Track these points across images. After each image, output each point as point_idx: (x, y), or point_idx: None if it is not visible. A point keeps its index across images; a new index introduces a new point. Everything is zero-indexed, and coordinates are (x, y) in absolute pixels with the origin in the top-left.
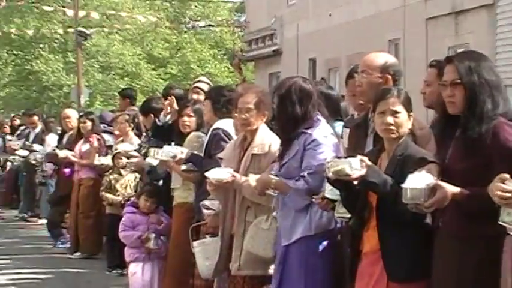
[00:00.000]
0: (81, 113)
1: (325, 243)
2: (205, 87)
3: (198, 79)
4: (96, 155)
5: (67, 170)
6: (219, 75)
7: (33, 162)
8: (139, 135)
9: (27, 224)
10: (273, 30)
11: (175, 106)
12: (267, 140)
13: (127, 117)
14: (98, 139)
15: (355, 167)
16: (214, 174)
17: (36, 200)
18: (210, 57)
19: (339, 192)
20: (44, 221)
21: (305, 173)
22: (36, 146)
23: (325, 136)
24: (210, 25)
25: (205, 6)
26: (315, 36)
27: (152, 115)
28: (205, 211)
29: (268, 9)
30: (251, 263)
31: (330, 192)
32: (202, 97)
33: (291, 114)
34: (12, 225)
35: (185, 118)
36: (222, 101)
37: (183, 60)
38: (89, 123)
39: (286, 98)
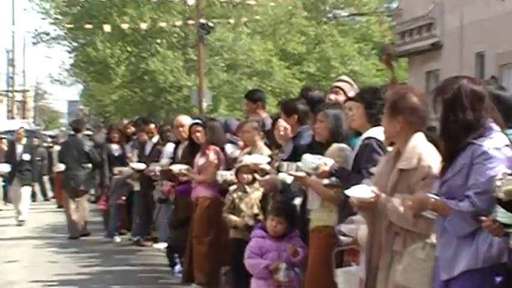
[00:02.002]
0: (194, 120)
1: (495, 279)
2: (347, 87)
3: (339, 78)
4: (221, 167)
5: (179, 188)
6: (366, 74)
7: (152, 176)
8: (269, 146)
9: (141, 249)
10: (432, 20)
11: None
12: (416, 152)
13: (255, 124)
14: (217, 152)
15: None
16: (355, 193)
17: (152, 221)
18: (354, 53)
19: None
20: (161, 245)
21: (471, 193)
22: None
23: (498, 148)
24: (354, 14)
25: None
26: (484, 26)
27: (296, 116)
28: (341, 238)
29: None
30: None
31: (504, 215)
32: (341, 97)
33: (462, 121)
34: (124, 250)
35: (317, 124)
36: (378, 105)
37: (322, 57)
38: (206, 132)
39: (455, 102)
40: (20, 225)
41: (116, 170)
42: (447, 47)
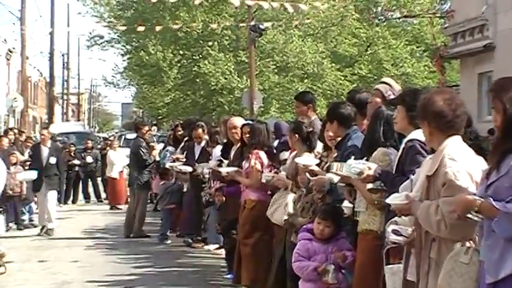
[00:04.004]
0: (245, 121)
1: None
2: (384, 88)
3: (381, 80)
4: (266, 171)
5: (227, 189)
6: (417, 75)
7: (201, 177)
8: (311, 148)
9: (191, 250)
10: (484, 21)
11: None
12: (439, 158)
13: (289, 126)
14: (258, 156)
15: None
16: (392, 200)
17: (203, 222)
18: (406, 55)
19: None
20: (211, 247)
21: None
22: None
23: None
24: (406, 16)
25: None
26: None
27: (336, 122)
28: (392, 238)
29: None
30: None
31: None
32: (378, 99)
33: None
34: (175, 251)
35: None
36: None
37: (374, 59)
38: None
39: None
40: (48, 234)
41: (168, 164)
42: (500, 49)
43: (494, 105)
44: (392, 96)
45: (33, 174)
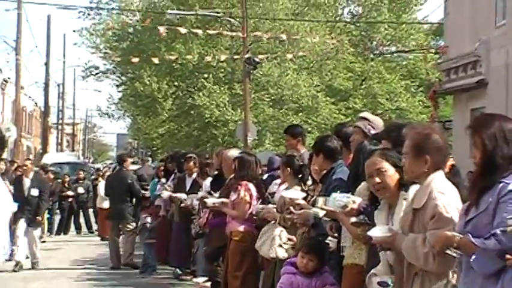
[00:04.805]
0: (238, 154)
1: None
2: (363, 124)
3: (359, 115)
4: (254, 203)
5: (212, 221)
6: (412, 110)
7: (190, 209)
8: (302, 181)
9: (180, 283)
10: (477, 57)
11: None
12: (427, 191)
13: (281, 160)
14: (247, 188)
15: None
16: (375, 233)
17: (192, 254)
18: (401, 89)
19: None
20: (200, 279)
21: (497, 231)
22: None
23: None
24: (400, 51)
25: (397, 28)
26: None
27: (322, 155)
28: None
29: (472, 31)
30: None
31: None
32: (359, 137)
33: (501, 157)
34: (163, 283)
35: None
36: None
37: (368, 93)
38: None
39: (495, 138)
40: (33, 267)
41: (163, 194)
42: (492, 85)
43: (474, 142)
44: (372, 131)
45: (13, 207)
